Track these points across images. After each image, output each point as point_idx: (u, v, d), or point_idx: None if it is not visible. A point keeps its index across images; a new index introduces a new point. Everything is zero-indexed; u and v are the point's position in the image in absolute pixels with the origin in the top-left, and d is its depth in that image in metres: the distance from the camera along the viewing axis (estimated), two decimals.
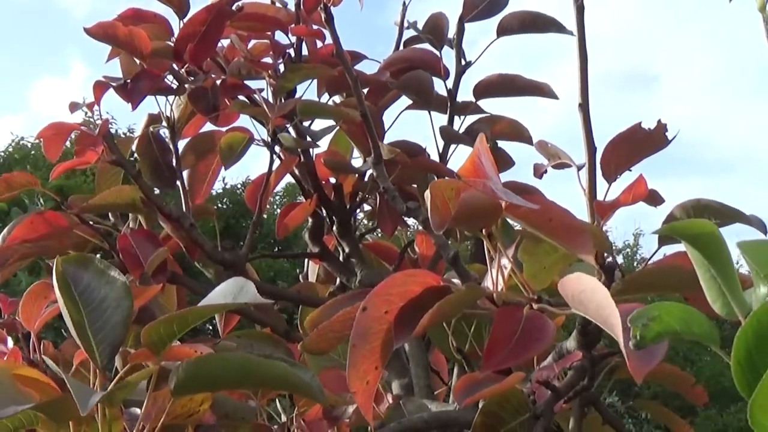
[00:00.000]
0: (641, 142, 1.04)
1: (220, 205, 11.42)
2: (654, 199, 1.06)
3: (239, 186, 11.81)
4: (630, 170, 1.07)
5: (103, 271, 1.00)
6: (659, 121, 1.03)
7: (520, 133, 1.55)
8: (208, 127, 1.53)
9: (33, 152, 12.47)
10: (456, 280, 0.99)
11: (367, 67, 1.64)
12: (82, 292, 0.98)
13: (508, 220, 0.97)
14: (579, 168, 1.09)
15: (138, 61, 1.46)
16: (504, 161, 1.52)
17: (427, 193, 0.93)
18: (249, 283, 0.90)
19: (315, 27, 1.53)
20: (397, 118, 1.57)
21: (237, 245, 1.51)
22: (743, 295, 0.67)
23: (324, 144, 1.56)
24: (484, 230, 0.97)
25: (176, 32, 1.48)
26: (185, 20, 1.45)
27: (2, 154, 13.12)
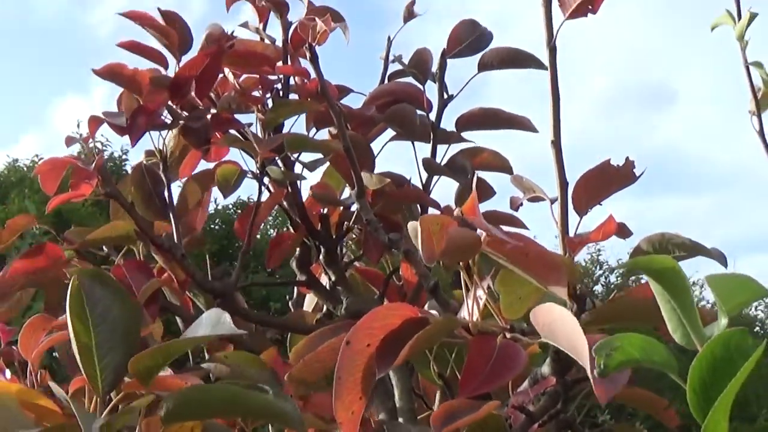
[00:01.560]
0: (611, 177, 1.09)
1: (212, 226, 11.46)
2: (623, 232, 1.12)
3: (230, 206, 11.88)
4: (601, 204, 1.12)
5: (120, 289, 1.02)
6: (627, 158, 1.09)
7: (501, 164, 1.61)
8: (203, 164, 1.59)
9: (30, 175, 12.53)
10: (435, 312, 1.04)
11: (355, 99, 1.70)
12: (95, 309, 0.99)
13: (485, 253, 1.02)
14: (552, 201, 1.14)
15: (136, 98, 1.51)
16: (485, 191, 1.57)
17: (417, 227, 0.99)
18: (225, 315, 0.95)
19: (304, 61, 1.58)
20: (381, 149, 1.62)
21: (230, 266, 1.56)
22: (701, 325, 0.73)
23: (312, 176, 1.61)
24: (461, 263, 1.03)
25: (171, 66, 1.54)
26: (184, 62, 1.50)
27: None
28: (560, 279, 0.93)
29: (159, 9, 1.52)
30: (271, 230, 10.25)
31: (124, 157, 12.63)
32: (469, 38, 1.65)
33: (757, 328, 18.05)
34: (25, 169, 13.04)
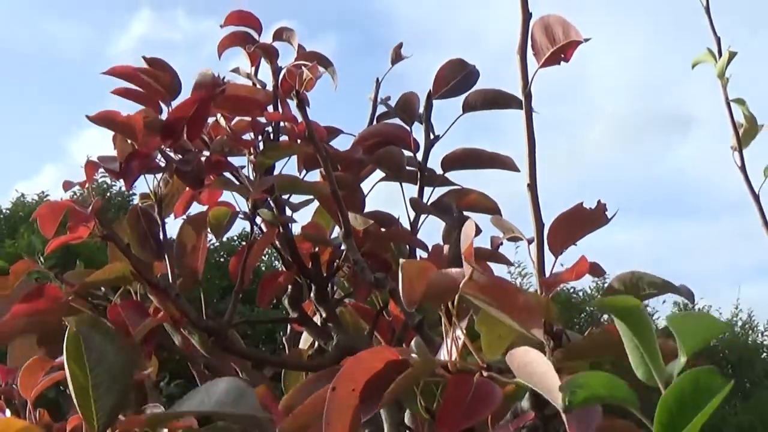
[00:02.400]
0: (583, 220, 1.14)
1: (217, 258, 11.51)
2: (596, 271, 1.17)
3: (235, 238, 11.93)
4: (575, 245, 1.17)
5: (114, 335, 1.07)
6: (599, 201, 1.13)
7: (487, 206, 1.65)
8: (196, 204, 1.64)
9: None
10: (414, 355, 1.09)
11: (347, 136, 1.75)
12: (92, 353, 1.04)
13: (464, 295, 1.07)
14: (529, 242, 1.18)
15: (130, 142, 1.57)
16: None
17: (400, 272, 1.04)
18: (249, 391, 0.99)
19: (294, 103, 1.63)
20: (371, 190, 1.67)
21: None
22: (662, 363, 0.78)
23: (303, 217, 1.66)
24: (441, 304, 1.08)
25: (164, 111, 1.60)
26: (175, 105, 1.55)
27: (6, 210, 13.29)
28: (536, 320, 0.98)
29: (144, 57, 1.58)
30: (276, 262, 10.29)
31: (132, 191, 12.73)
32: (455, 78, 1.69)
33: (764, 354, 18.04)
34: (33, 203, 13.14)
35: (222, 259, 11.61)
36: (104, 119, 1.52)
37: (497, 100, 1.63)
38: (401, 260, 1.04)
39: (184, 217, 1.68)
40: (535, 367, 0.93)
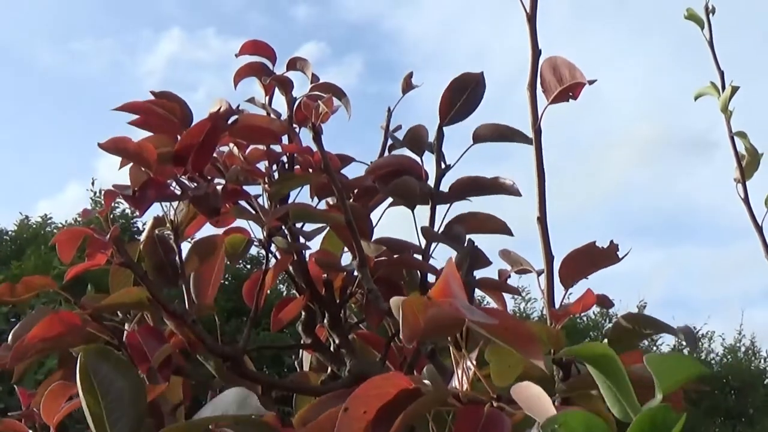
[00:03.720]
0: (595, 257, 1.18)
1: (222, 282, 11.48)
2: (604, 303, 1.20)
3: (240, 262, 11.90)
4: (587, 278, 1.21)
5: (122, 363, 1.12)
6: (611, 242, 1.17)
7: (496, 226, 1.67)
8: (208, 226, 1.67)
9: (41, 232, 12.65)
10: (427, 381, 1.12)
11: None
12: (101, 382, 1.09)
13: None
14: (539, 274, 1.22)
15: (144, 170, 1.60)
16: (481, 261, 1.65)
17: (399, 308, 1.06)
18: (251, 396, 1.02)
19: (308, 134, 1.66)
20: (381, 216, 1.70)
21: (243, 323, 1.63)
22: (637, 402, 0.82)
23: (315, 243, 1.69)
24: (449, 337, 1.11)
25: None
26: (185, 131, 1.58)
27: (12, 232, 13.30)
28: (537, 351, 1.01)
29: (152, 92, 1.61)
30: (281, 285, 10.29)
31: (135, 213, 12.72)
32: (459, 100, 1.71)
33: None
34: (36, 225, 13.16)
35: (227, 282, 11.62)
36: (116, 147, 1.55)
37: (505, 134, 1.65)
38: (400, 300, 1.06)
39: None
40: (536, 399, 0.96)
